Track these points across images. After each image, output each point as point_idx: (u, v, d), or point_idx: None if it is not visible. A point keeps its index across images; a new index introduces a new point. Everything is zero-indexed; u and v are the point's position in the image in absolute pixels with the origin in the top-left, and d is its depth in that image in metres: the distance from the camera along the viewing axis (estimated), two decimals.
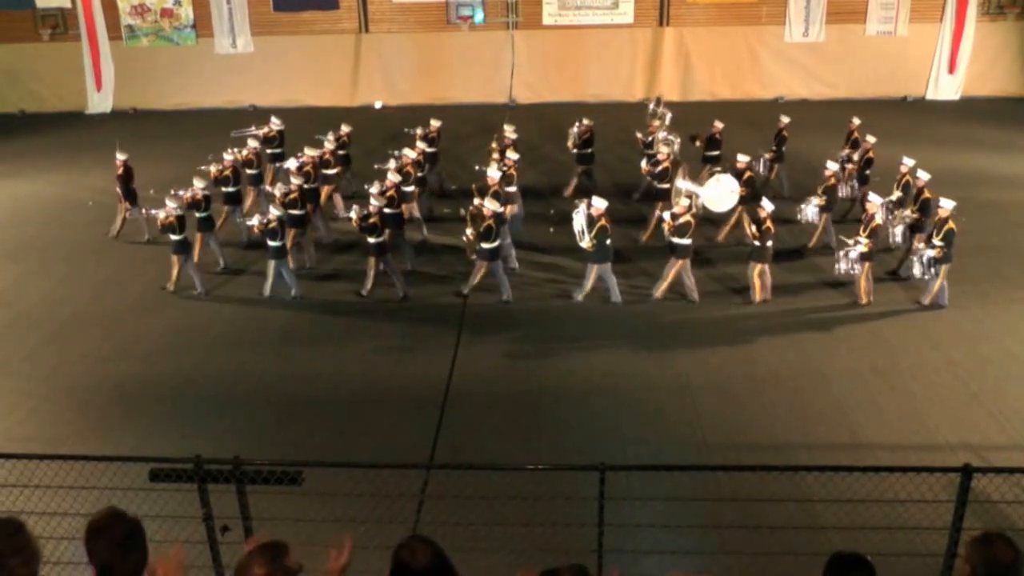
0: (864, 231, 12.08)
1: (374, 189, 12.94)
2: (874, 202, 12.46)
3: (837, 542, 4.27)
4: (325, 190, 15.15)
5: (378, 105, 23.73)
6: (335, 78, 24.05)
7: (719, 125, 16.14)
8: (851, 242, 12.08)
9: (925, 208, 12.88)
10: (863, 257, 12.01)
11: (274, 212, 12.48)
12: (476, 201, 12.63)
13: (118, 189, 14.73)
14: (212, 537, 5.48)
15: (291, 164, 14.63)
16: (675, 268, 12.24)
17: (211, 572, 5.58)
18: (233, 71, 23.83)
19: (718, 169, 14.77)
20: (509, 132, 15.94)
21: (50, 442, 8.96)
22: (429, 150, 16.12)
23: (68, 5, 23.62)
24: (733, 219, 14.06)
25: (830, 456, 8.65)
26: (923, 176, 13.16)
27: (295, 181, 13.40)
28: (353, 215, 12.52)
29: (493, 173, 13.54)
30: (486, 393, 10.20)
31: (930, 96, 23.98)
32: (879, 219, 12.30)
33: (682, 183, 13.62)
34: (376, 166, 14.68)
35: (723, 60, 23.90)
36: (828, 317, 11.97)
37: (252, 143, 15.85)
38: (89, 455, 5.61)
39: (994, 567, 3.51)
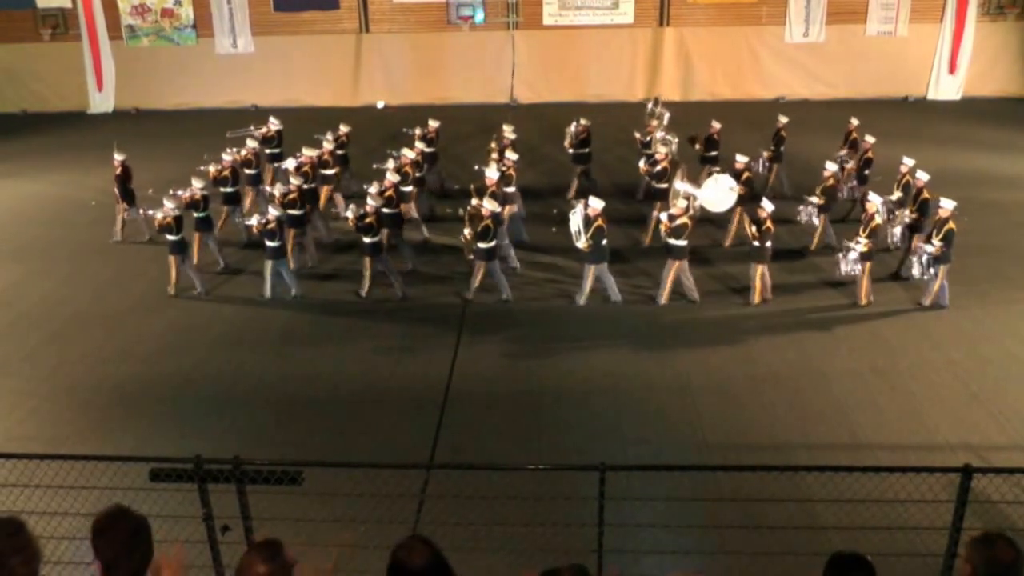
0: (864, 231, 12.08)
1: (373, 189, 12.96)
2: (874, 202, 12.46)
3: (837, 542, 4.27)
4: (325, 190, 15.16)
5: (380, 105, 23.75)
6: (336, 78, 24.07)
7: (716, 125, 16.13)
8: (851, 243, 12.08)
9: (924, 208, 12.88)
10: (863, 257, 12.01)
11: (273, 212, 12.48)
12: (474, 201, 12.64)
13: (116, 189, 14.74)
14: (212, 537, 5.48)
15: (289, 164, 14.64)
16: (672, 270, 12.22)
17: (211, 572, 5.58)
18: (234, 71, 23.85)
19: (716, 169, 14.76)
20: (508, 132, 15.94)
21: (50, 442, 8.97)
22: (428, 150, 16.13)
23: (68, 5, 23.65)
24: (735, 224, 14.02)
25: (830, 456, 8.65)
26: (922, 176, 13.15)
27: (294, 181, 13.41)
28: (350, 214, 12.54)
29: (491, 173, 13.55)
30: (486, 393, 10.20)
31: (931, 96, 23.98)
32: (879, 219, 12.30)
33: (680, 184, 13.62)
34: (375, 166, 14.70)
35: (723, 60, 23.91)
36: (828, 317, 11.97)
37: (250, 143, 15.85)
38: (89, 455, 5.61)
39: (995, 567, 3.51)
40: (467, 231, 12.55)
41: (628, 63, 24.00)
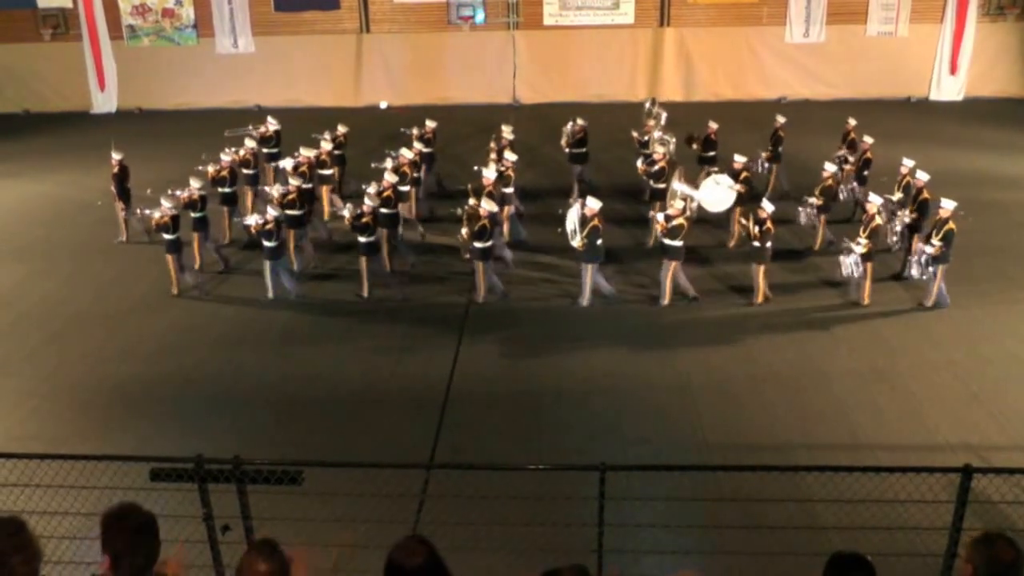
0: (864, 232, 12.08)
1: (371, 189, 12.97)
2: (874, 203, 12.46)
3: (837, 542, 4.28)
4: (325, 190, 15.16)
5: (383, 105, 23.73)
6: (337, 78, 24.05)
7: (714, 126, 16.09)
8: (852, 244, 12.08)
9: (923, 209, 12.87)
10: (864, 258, 12.01)
11: (272, 212, 12.49)
12: (472, 201, 12.65)
13: (113, 188, 14.74)
14: (212, 537, 5.48)
15: (286, 164, 14.63)
16: (669, 272, 12.21)
17: (211, 572, 5.59)
18: (235, 71, 23.83)
19: (715, 170, 14.74)
20: (506, 133, 15.94)
21: (51, 441, 8.97)
22: (425, 151, 16.13)
23: (69, 5, 23.61)
24: (736, 225, 13.98)
25: (830, 456, 8.65)
26: (922, 176, 13.14)
27: (293, 182, 13.41)
28: (346, 213, 12.54)
29: (489, 173, 13.55)
30: (486, 393, 10.21)
31: (933, 97, 23.95)
32: (879, 220, 12.29)
33: (678, 185, 13.62)
34: (373, 165, 14.70)
35: (724, 61, 23.88)
36: (828, 317, 11.97)
37: (249, 143, 15.85)
38: (90, 455, 5.61)
39: (996, 567, 3.51)
40: (464, 231, 12.57)
41: (629, 63, 23.97)
